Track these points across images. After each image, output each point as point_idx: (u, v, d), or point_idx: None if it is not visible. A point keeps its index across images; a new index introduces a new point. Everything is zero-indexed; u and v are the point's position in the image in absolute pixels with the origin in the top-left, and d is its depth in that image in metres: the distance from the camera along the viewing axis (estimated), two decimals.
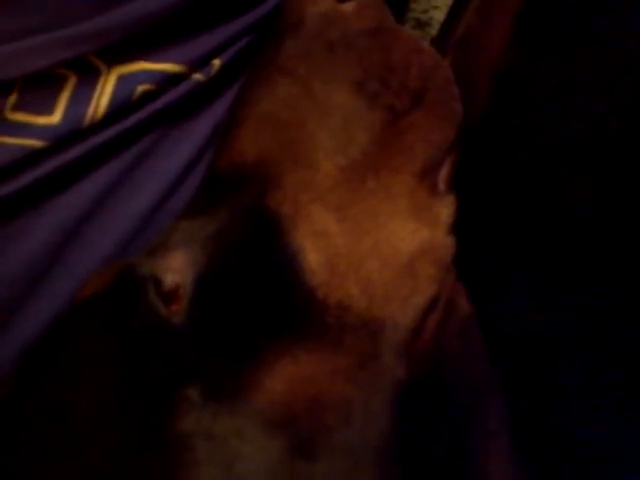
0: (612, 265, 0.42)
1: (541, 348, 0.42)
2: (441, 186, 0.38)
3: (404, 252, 0.36)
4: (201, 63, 0.44)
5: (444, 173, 0.39)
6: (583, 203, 0.43)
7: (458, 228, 0.38)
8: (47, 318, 0.41)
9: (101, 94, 0.42)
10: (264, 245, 0.36)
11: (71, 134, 0.41)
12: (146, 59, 0.43)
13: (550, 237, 0.44)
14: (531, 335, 0.42)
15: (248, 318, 0.34)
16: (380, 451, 0.33)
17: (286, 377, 0.32)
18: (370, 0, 0.41)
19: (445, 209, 0.38)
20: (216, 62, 0.45)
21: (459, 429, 0.35)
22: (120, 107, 0.42)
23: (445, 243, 0.37)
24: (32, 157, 0.40)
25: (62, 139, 0.41)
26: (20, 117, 0.41)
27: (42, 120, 0.41)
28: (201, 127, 0.45)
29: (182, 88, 0.44)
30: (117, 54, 0.42)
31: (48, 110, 0.41)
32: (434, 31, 0.53)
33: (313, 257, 0.35)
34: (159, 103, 0.43)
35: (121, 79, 0.42)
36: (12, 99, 0.41)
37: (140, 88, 0.42)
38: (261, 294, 0.35)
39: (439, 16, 0.53)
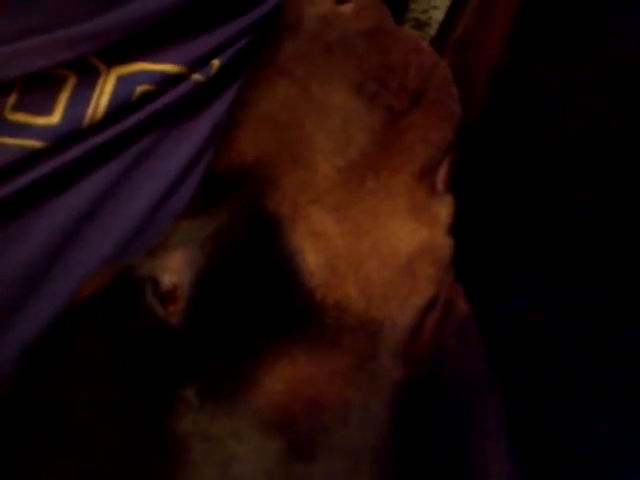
0: (612, 265, 0.42)
1: (541, 348, 0.42)
2: (440, 186, 0.38)
3: (403, 252, 0.36)
4: (200, 63, 0.44)
5: (442, 173, 0.39)
6: (583, 203, 0.43)
7: (458, 228, 0.38)
8: (47, 318, 0.41)
9: (100, 94, 0.42)
10: (263, 246, 0.36)
11: (70, 134, 0.41)
12: (145, 59, 0.43)
13: (550, 237, 0.43)
14: (531, 335, 0.42)
15: (246, 319, 0.34)
16: (378, 451, 0.33)
17: (284, 378, 0.33)
18: (368, 1, 0.41)
19: (444, 209, 0.38)
20: (215, 62, 0.45)
21: (457, 429, 0.35)
22: (119, 107, 0.42)
23: (444, 243, 0.37)
24: (31, 158, 0.40)
25: (61, 139, 0.41)
26: (20, 117, 0.41)
27: (41, 120, 0.41)
28: (200, 127, 0.45)
29: (181, 88, 0.44)
30: (117, 54, 0.42)
31: (47, 110, 0.41)
32: (433, 31, 0.53)
33: (312, 258, 0.35)
34: (158, 103, 0.43)
35: (120, 79, 0.42)
36: (12, 99, 0.41)
37: (139, 88, 0.42)
38: (260, 295, 0.35)
39: (438, 16, 0.52)
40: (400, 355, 0.34)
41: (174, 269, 0.35)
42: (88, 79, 0.42)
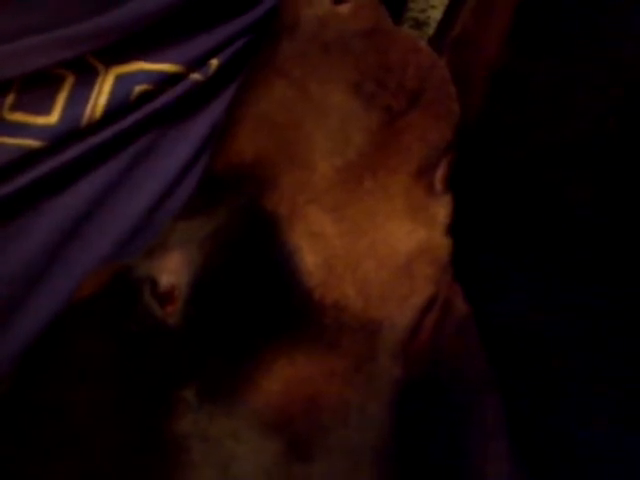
0: (612, 265, 0.42)
1: (541, 348, 0.42)
2: (438, 186, 0.38)
3: (401, 252, 0.36)
4: (199, 63, 0.44)
5: (441, 173, 0.38)
6: (583, 203, 0.43)
7: (456, 227, 0.38)
8: (46, 317, 0.41)
9: (99, 94, 0.42)
10: (261, 246, 0.36)
11: (69, 134, 0.41)
12: (144, 59, 0.43)
13: (550, 237, 0.43)
14: (531, 335, 0.42)
15: (245, 319, 0.34)
16: (377, 452, 0.33)
17: (283, 378, 0.32)
18: (366, 1, 0.41)
19: (442, 209, 0.38)
20: (213, 62, 0.45)
21: (456, 429, 0.35)
22: (118, 107, 0.42)
23: (442, 243, 0.37)
24: (30, 157, 0.40)
25: (60, 139, 0.41)
26: (18, 117, 0.41)
27: (40, 120, 0.41)
28: (198, 127, 0.45)
29: (180, 88, 0.44)
30: (115, 54, 0.42)
31: (46, 110, 0.41)
32: (432, 31, 0.53)
33: (310, 258, 0.35)
34: (157, 103, 0.43)
35: (119, 79, 0.42)
36: (10, 99, 0.41)
37: (138, 88, 0.42)
38: (258, 295, 0.35)
39: (437, 15, 0.52)
40: (399, 355, 0.34)
41: (172, 269, 0.35)
42: (86, 79, 0.42)
